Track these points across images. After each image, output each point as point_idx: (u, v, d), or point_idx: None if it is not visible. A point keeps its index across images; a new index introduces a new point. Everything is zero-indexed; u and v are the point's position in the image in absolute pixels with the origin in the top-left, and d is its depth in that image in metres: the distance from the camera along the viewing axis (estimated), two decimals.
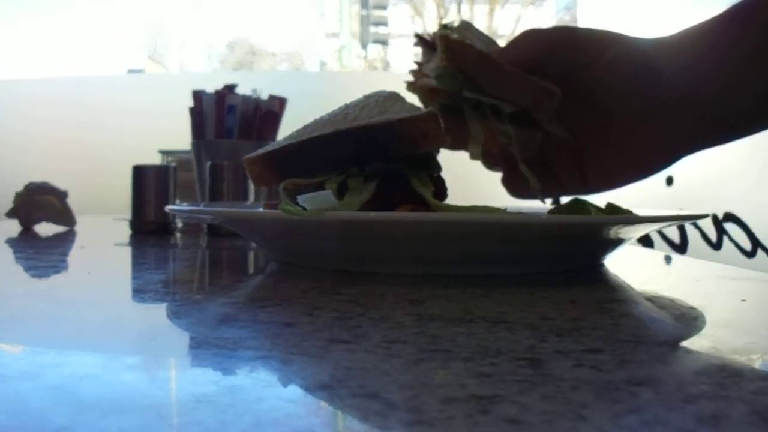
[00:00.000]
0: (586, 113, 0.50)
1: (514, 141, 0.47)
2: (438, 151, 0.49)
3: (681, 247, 2.23)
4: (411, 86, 0.48)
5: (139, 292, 0.41)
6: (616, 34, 0.50)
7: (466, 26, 0.51)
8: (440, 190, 0.48)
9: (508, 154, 0.48)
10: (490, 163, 0.53)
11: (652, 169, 0.51)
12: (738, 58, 0.46)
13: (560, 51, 0.50)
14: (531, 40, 0.50)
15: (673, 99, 0.48)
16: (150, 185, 0.82)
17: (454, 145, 0.49)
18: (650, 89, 0.48)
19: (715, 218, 2.25)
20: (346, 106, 0.51)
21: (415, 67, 0.50)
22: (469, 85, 0.46)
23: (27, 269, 0.54)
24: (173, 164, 0.96)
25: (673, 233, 2.24)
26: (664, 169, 0.51)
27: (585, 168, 0.52)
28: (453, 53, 0.45)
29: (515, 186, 0.53)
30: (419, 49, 0.51)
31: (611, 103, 0.49)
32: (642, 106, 0.49)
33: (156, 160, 1.17)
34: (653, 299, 0.41)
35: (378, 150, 0.46)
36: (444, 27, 0.49)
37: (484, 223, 0.42)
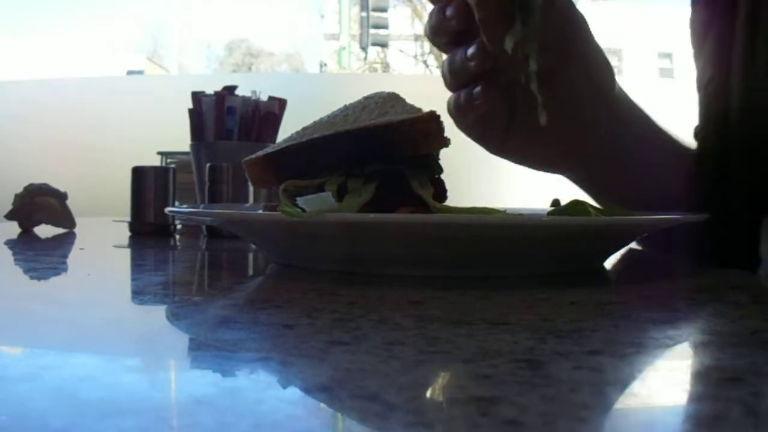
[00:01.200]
0: (556, 87, 0.55)
1: (531, 52, 0.48)
2: (438, 153, 0.49)
3: None
4: None
5: (139, 294, 0.41)
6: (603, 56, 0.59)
7: None
8: (440, 191, 0.48)
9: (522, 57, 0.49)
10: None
11: (546, 163, 0.63)
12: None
13: (571, 27, 0.56)
14: None
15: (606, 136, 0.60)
16: (149, 187, 0.82)
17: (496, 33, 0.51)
18: (603, 115, 0.59)
19: None
20: (346, 108, 0.52)
21: None
22: None
23: (26, 271, 0.54)
24: (173, 166, 0.97)
25: None
26: (546, 170, 0.63)
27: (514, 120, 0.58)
28: None
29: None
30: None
31: (575, 99, 0.57)
32: (588, 119, 0.59)
33: (155, 161, 1.16)
34: (653, 300, 0.41)
35: (378, 151, 0.46)
36: None
37: (484, 225, 0.42)
